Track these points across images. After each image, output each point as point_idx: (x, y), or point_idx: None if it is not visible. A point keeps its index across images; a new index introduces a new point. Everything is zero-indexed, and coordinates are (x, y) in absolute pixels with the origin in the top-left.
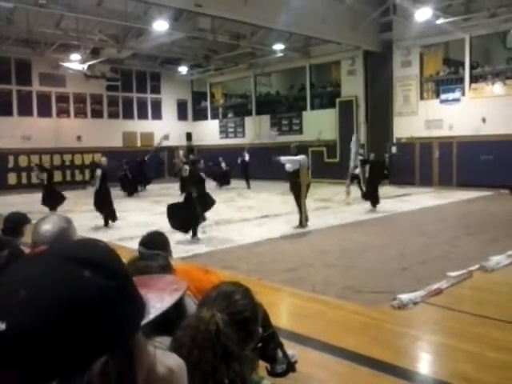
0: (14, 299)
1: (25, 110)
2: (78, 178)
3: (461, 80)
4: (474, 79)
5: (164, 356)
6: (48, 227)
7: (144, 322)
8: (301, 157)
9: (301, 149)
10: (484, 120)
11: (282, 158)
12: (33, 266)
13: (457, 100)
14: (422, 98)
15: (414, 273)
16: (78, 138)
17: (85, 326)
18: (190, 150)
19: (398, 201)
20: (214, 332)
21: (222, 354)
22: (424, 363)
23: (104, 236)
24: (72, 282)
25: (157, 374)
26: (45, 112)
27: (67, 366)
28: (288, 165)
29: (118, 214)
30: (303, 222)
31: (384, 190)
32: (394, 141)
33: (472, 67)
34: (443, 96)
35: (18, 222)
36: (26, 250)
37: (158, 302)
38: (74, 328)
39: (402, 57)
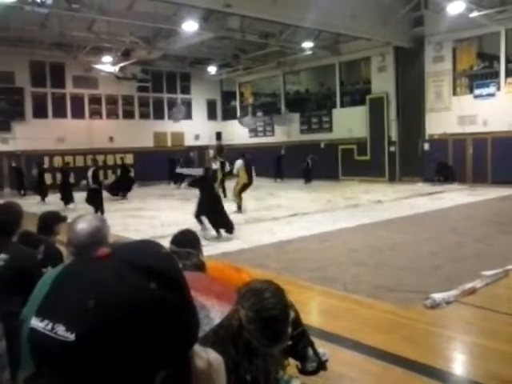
0: (84, 308)
1: (59, 112)
2: (111, 178)
3: (496, 74)
4: (510, 73)
5: (203, 350)
6: (83, 225)
7: (201, 334)
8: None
9: (330, 146)
10: None
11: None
12: (100, 272)
13: (491, 95)
14: (454, 93)
15: (447, 271)
16: (110, 138)
17: (149, 339)
18: (220, 149)
19: (430, 198)
20: (237, 327)
21: (244, 350)
22: (458, 363)
23: (136, 235)
24: (140, 295)
25: (196, 367)
26: (78, 114)
27: (129, 379)
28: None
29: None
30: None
31: (416, 188)
32: (427, 137)
33: (508, 61)
34: (477, 91)
35: (48, 220)
36: (61, 248)
37: (211, 312)
38: (139, 341)
39: (434, 52)
